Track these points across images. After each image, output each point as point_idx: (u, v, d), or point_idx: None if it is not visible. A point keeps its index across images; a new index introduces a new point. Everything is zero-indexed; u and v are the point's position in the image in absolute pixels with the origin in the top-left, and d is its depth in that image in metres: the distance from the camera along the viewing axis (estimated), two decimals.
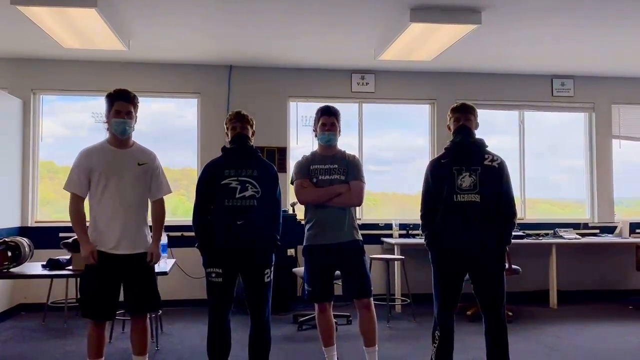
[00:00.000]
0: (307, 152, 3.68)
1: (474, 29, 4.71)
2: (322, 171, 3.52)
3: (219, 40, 5.49)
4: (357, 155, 3.69)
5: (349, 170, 3.52)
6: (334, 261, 3.51)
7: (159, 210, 3.40)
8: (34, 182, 6.12)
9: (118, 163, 3.21)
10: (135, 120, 3.30)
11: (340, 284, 3.63)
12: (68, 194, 3.23)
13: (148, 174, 3.31)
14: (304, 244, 3.56)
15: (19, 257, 3.97)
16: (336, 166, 3.52)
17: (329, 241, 3.47)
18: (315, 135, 3.64)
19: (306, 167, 3.56)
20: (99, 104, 5.79)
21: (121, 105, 3.21)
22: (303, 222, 3.61)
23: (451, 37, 4.96)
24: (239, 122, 3.43)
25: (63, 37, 5.01)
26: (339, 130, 3.60)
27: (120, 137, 3.24)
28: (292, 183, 3.62)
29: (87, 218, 3.24)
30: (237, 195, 3.26)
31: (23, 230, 5.74)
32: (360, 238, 3.57)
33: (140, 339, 3.33)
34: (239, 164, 3.33)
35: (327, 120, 3.55)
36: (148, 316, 3.39)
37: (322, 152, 3.60)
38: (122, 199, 3.18)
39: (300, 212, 5.95)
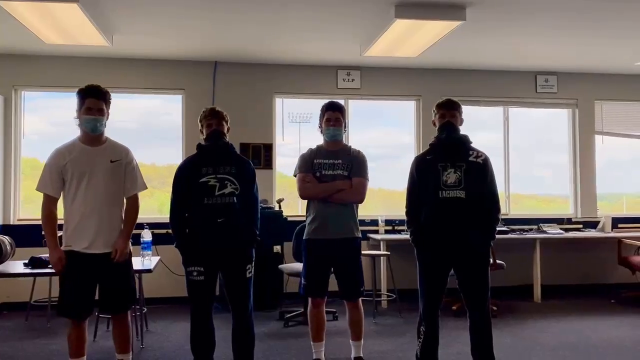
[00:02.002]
0: (313, 146, 3.71)
1: (459, 26, 4.73)
2: (326, 166, 3.56)
3: (203, 35, 5.44)
4: (362, 151, 3.70)
5: (353, 167, 3.56)
6: (333, 256, 3.53)
7: (132, 206, 3.29)
8: (16, 179, 6.03)
9: (90, 161, 3.13)
10: (107, 117, 3.22)
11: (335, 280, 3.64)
12: None
13: (121, 170, 3.23)
14: (304, 237, 3.61)
15: None
16: (340, 161, 3.56)
17: (330, 236, 3.50)
18: (321, 131, 3.67)
19: (310, 160, 3.59)
20: None
21: (92, 102, 3.13)
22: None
23: (436, 33, 4.97)
24: (215, 118, 3.38)
25: (45, 33, 4.94)
26: (345, 126, 3.63)
27: (91, 135, 3.17)
28: (294, 175, 3.63)
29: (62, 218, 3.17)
30: (217, 193, 3.23)
31: (5, 229, 5.65)
32: (360, 235, 3.61)
33: (122, 337, 3.28)
34: (217, 161, 3.29)
35: (332, 115, 3.59)
36: (129, 313, 3.33)
37: (327, 147, 3.64)
38: (96, 198, 3.11)
39: (286, 209, 5.99)
